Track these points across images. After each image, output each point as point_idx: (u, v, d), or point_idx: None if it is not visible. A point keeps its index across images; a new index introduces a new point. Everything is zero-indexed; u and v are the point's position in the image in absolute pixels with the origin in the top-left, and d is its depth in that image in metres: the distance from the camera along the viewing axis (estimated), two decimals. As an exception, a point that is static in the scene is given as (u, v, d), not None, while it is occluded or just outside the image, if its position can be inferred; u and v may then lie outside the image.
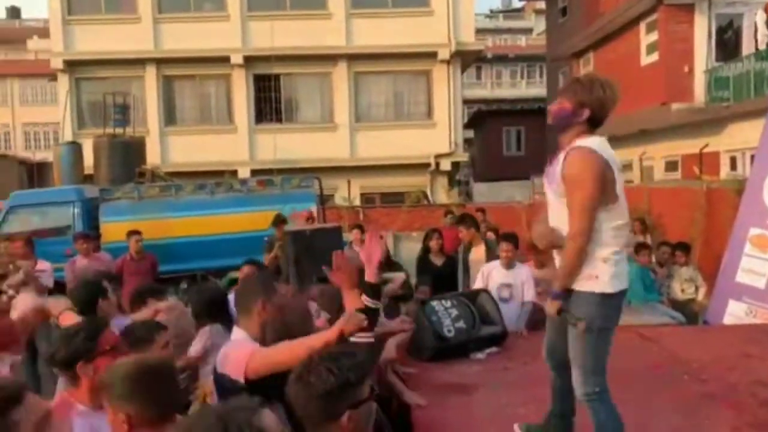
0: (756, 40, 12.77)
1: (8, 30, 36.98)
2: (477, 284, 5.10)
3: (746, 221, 5.88)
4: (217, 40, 16.84)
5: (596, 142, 2.58)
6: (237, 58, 17.13)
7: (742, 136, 12.84)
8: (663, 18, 14.80)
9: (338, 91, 17.79)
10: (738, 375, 3.24)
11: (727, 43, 14.63)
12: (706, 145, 13.60)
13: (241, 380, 2.32)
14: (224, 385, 2.42)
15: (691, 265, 6.81)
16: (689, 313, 6.23)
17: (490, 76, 40.21)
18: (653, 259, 6.91)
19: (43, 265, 6.37)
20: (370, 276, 2.52)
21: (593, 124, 2.63)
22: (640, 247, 6.68)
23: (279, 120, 17.86)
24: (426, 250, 6.60)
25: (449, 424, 3.25)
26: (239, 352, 2.42)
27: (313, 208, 9.35)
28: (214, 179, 10.52)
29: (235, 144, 17.36)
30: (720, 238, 7.27)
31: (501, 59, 38.95)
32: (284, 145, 16.71)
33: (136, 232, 7.41)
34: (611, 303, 2.57)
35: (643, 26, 15.78)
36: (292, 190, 9.61)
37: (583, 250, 2.51)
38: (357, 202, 16.47)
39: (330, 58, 17.48)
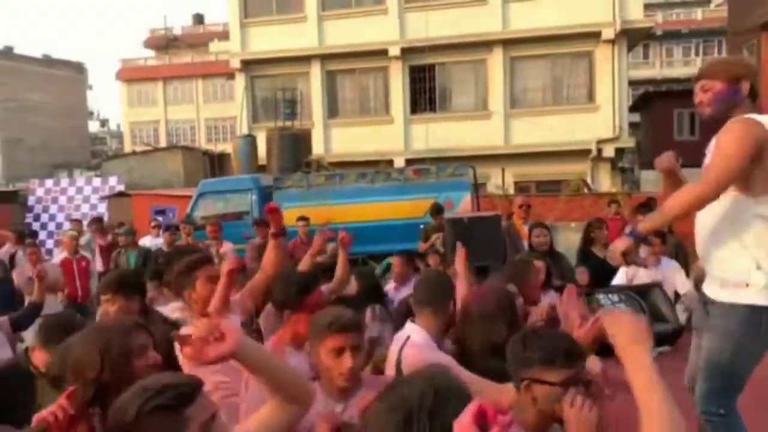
0: None
1: (194, 35, 41.39)
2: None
3: None
4: (375, 34, 17.43)
5: (762, 117, 2.24)
6: (394, 51, 17.60)
7: None
8: None
9: (493, 78, 17.54)
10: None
11: None
12: None
13: None
14: None
15: None
16: None
17: (659, 54, 37.04)
18: None
19: (226, 246, 7.15)
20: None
21: (753, 98, 2.35)
22: None
23: (433, 109, 18.07)
24: (588, 242, 6.32)
25: (619, 423, 3.15)
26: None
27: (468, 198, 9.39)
28: (370, 169, 10.97)
29: (391, 134, 17.89)
30: None
31: (672, 35, 35.72)
32: (438, 134, 16.89)
33: (304, 218, 8.00)
34: (762, 316, 2.16)
35: None
36: (447, 179, 9.71)
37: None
38: (511, 190, 16.17)
39: (485, 45, 17.27)
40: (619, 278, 5.11)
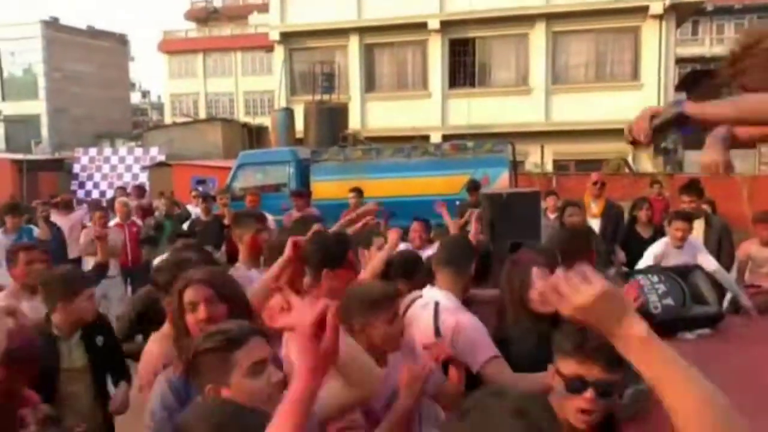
0: None
1: (234, 7, 41.51)
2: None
3: None
4: (415, 7, 17.20)
5: None
6: (434, 24, 17.35)
7: None
8: None
9: (534, 53, 17.17)
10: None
11: None
12: None
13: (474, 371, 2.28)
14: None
15: None
16: None
17: (710, 31, 35.58)
18: None
19: (268, 219, 7.24)
20: None
21: None
22: None
23: (472, 84, 17.82)
24: (632, 221, 6.21)
25: (655, 405, 3.12)
26: (480, 341, 2.33)
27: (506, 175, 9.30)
28: (406, 144, 10.93)
29: (429, 109, 17.75)
30: None
31: (724, 11, 34.26)
32: (476, 110, 16.69)
33: (357, 190, 7.97)
34: None
35: None
36: (485, 155, 9.62)
37: None
38: (549, 168, 15.92)
39: (528, 19, 16.88)
40: (647, 260, 5.00)
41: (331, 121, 13.47)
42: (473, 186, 8.04)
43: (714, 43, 35.46)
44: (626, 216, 6.54)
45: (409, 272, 3.04)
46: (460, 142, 10.55)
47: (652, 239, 5.85)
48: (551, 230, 5.60)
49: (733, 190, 11.43)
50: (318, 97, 14.74)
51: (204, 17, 41.09)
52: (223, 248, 6.11)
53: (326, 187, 8.94)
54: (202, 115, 34.48)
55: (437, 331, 2.43)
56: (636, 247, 5.57)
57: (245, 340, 1.56)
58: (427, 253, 4.76)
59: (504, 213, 4.96)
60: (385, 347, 2.12)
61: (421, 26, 17.42)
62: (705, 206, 6.72)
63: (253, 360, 1.54)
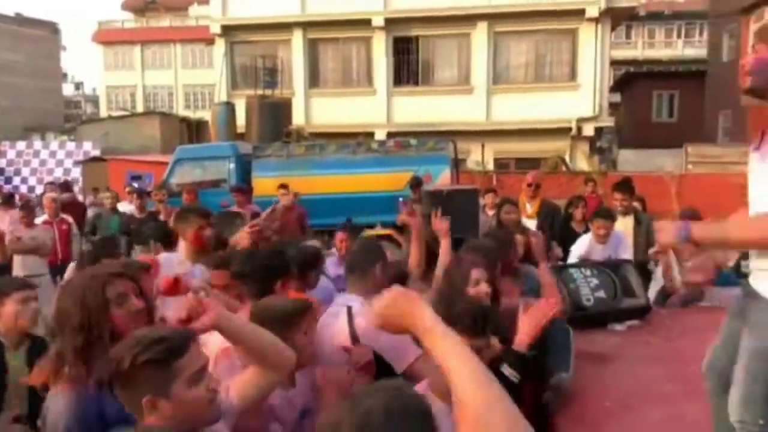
0: None
1: (173, -2, 40.34)
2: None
3: None
4: (359, 3, 17.18)
5: None
6: (378, 21, 17.38)
7: None
8: None
9: (476, 53, 17.46)
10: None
11: None
12: None
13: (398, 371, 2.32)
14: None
15: None
16: None
17: (642, 35, 37.13)
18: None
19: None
20: (520, 343, 2.29)
21: None
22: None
23: (416, 82, 17.97)
24: (568, 218, 6.41)
25: (587, 393, 3.22)
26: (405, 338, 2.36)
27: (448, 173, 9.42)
28: (351, 140, 10.91)
29: (374, 106, 17.78)
30: None
31: (655, 16, 35.78)
32: (420, 108, 16.84)
33: (285, 186, 7.94)
34: None
35: (834, -26, 13.71)
36: (427, 153, 9.72)
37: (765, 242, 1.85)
38: (490, 166, 16.24)
39: (470, 19, 17.15)
40: (573, 256, 5.19)
41: (274, 117, 13.27)
42: (416, 183, 8.12)
43: (646, 46, 37.04)
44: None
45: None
46: (403, 139, 10.61)
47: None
48: (488, 226, 5.72)
49: (662, 189, 11.96)
50: (260, 92, 14.51)
51: (141, 8, 39.73)
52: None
53: (268, 183, 8.79)
54: (140, 108, 33.36)
55: (354, 337, 2.40)
56: (571, 243, 5.75)
57: (186, 348, 1.49)
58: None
59: (444, 209, 5.01)
60: (299, 363, 2.07)
61: (366, 23, 17.42)
62: (636, 203, 7.01)
63: (195, 368, 1.50)
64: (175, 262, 3.24)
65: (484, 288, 2.65)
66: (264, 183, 9.08)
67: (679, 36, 36.74)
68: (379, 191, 9.20)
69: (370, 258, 2.65)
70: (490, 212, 6.87)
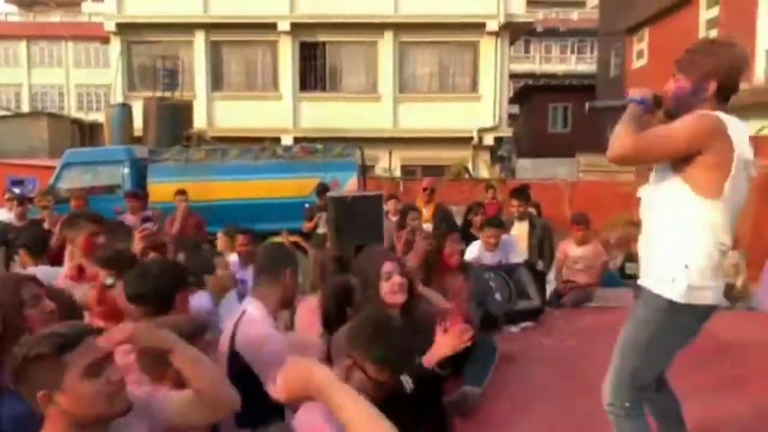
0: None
1: (64, -8, 37.84)
2: None
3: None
4: (264, 6, 16.89)
5: (727, 118, 2.06)
6: (284, 25, 17.18)
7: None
8: (726, -7, 14.13)
9: (383, 61, 17.68)
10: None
11: (795, 20, 13.87)
12: (762, 128, 13.03)
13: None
14: (240, 369, 2.29)
15: (738, 250, 6.60)
16: (731, 297, 6.09)
17: (539, 50, 39.20)
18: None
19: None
20: (429, 360, 2.35)
21: (724, 97, 2.12)
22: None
23: (323, 88, 17.91)
24: (467, 225, 6.58)
25: (485, 395, 3.29)
26: (273, 346, 2.26)
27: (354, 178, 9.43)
28: (257, 145, 10.67)
29: (280, 111, 17.52)
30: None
31: (551, 33, 37.89)
32: (327, 114, 16.79)
33: (183, 192, 7.61)
34: (682, 314, 2.11)
35: (703, 1, 15.10)
36: (334, 159, 9.67)
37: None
38: (397, 173, 16.47)
39: (376, 27, 17.34)
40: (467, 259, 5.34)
41: (174, 120, 12.72)
42: (322, 189, 8.04)
43: (543, 61, 39.14)
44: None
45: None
46: (310, 145, 10.50)
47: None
48: (390, 232, 5.78)
49: (556, 195, 12.62)
50: (159, 94, 13.87)
51: (28, 2, 36.99)
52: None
53: (165, 189, 8.38)
54: (26, 108, 30.96)
55: (232, 341, 2.34)
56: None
57: (78, 341, 1.52)
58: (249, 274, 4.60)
59: (349, 216, 5.00)
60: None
61: (271, 27, 17.16)
62: (531, 209, 7.33)
63: (88, 361, 1.51)
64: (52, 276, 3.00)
65: (397, 280, 2.58)
66: (160, 189, 8.66)
67: (572, 52, 39.12)
68: (284, 197, 9.03)
69: (280, 264, 2.55)
70: (393, 218, 6.93)
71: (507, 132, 18.44)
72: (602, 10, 24.83)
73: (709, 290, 2.12)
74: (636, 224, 6.78)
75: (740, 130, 2.08)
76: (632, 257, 6.38)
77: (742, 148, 2.05)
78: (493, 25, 16.97)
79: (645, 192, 2.27)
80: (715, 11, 14.66)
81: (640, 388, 2.21)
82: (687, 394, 3.19)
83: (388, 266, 2.63)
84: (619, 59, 21.52)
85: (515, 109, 29.38)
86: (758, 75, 13.74)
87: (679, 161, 2.10)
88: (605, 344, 3.64)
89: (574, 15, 39.19)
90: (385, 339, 1.84)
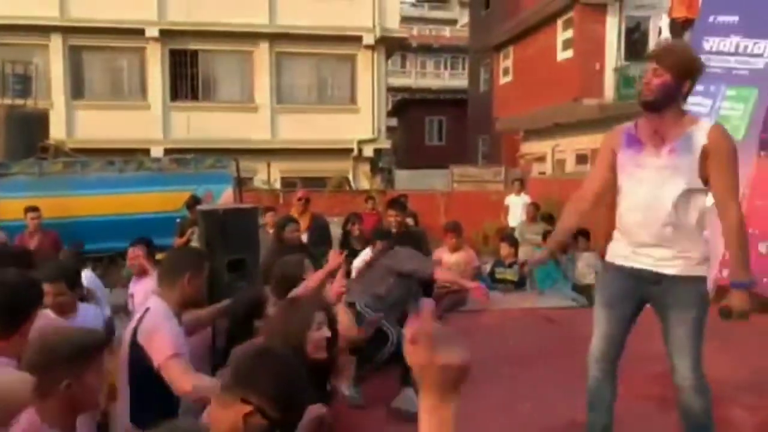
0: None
1: None
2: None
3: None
4: (131, 11, 15.94)
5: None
6: (152, 32, 16.32)
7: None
8: (578, 16, 15.44)
9: (259, 71, 17.35)
10: (626, 352, 3.43)
11: (635, 43, 15.47)
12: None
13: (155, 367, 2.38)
14: (139, 360, 2.43)
15: (592, 251, 7.15)
16: (590, 296, 6.57)
17: (415, 65, 40.54)
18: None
19: None
20: None
21: (684, 99, 2.44)
22: (546, 234, 6.96)
23: (195, 98, 17.22)
24: (346, 235, 6.58)
25: (354, 412, 3.26)
26: (165, 339, 2.40)
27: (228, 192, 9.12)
28: (124, 157, 10.00)
29: (148, 121, 16.58)
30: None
31: (425, 49, 39.34)
32: (201, 125, 16.16)
33: (34, 209, 6.94)
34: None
35: (559, 23, 16.40)
36: (208, 171, 9.32)
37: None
38: (277, 185, 16.19)
39: (251, 37, 16.99)
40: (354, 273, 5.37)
41: (26, 130, 11.58)
42: (193, 202, 7.67)
43: (419, 76, 40.51)
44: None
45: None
46: (180, 156, 10.02)
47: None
48: (270, 245, 5.62)
49: (433, 205, 13.03)
50: (9, 101, 12.60)
51: None
52: None
53: (15, 205, 7.59)
54: None
55: (134, 334, 2.47)
56: (352, 259, 5.90)
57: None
58: (141, 285, 4.33)
59: (221, 230, 4.80)
60: (87, 406, 1.87)
61: (138, 33, 16.23)
62: (409, 219, 7.49)
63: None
64: None
65: (325, 333, 2.40)
66: (9, 205, 7.83)
67: (446, 68, 40.86)
68: (153, 212, 8.52)
69: (178, 269, 2.61)
70: (271, 231, 6.78)
71: (386, 144, 18.80)
72: (472, 28, 26.26)
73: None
74: (504, 230, 7.13)
75: None
76: (501, 262, 6.71)
77: None
78: (369, 39, 17.27)
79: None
80: (570, 33, 15.96)
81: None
82: (554, 390, 3.37)
83: (320, 316, 2.44)
84: (488, 75, 22.80)
85: (393, 121, 30.14)
86: (607, 92, 15.15)
87: (699, 174, 2.38)
88: (483, 345, 3.76)
89: (447, 32, 41.00)
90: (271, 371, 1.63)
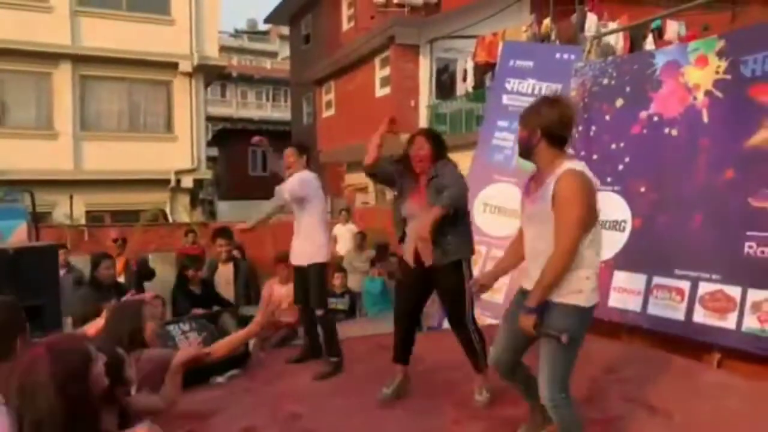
0: (465, 84, 14.87)
1: None
2: None
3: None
4: None
5: (582, 166, 2.63)
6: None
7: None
8: (394, 56, 16.38)
9: (60, 95, 15.68)
10: (460, 374, 3.60)
11: (445, 83, 16.80)
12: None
13: None
14: None
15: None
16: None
17: (236, 95, 39.88)
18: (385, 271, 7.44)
19: None
20: None
21: (559, 143, 2.67)
22: (374, 261, 7.14)
23: (-18, 122, 15.04)
24: (183, 279, 5.82)
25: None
26: None
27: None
28: None
29: None
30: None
31: (246, 79, 38.96)
32: (-12, 153, 14.12)
33: None
34: (588, 316, 2.68)
35: (377, 61, 17.25)
36: (-5, 205, 8.11)
37: (568, 269, 2.57)
38: (83, 220, 14.63)
39: (50, 57, 15.34)
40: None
41: None
42: (-26, 241, 6.58)
43: (240, 106, 39.84)
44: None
45: None
46: (-41, 189, 8.61)
47: (204, 291, 5.66)
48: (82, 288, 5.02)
49: (259, 235, 12.68)
50: None
51: None
52: None
53: None
54: None
55: None
56: (190, 302, 5.35)
57: None
58: None
59: (12, 272, 4.18)
60: None
61: None
62: (236, 252, 7.20)
63: None
64: None
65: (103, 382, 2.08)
66: None
67: (268, 99, 40.74)
68: None
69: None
70: (63, 271, 6.09)
71: (207, 174, 18.01)
72: (293, 61, 26.51)
73: (596, 292, 2.72)
74: (333, 259, 7.07)
75: (589, 172, 2.70)
76: (333, 292, 6.70)
77: (596, 185, 2.71)
78: (186, 66, 16.54)
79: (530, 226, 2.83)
80: (387, 71, 16.85)
81: (568, 379, 2.69)
82: (388, 413, 3.38)
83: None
84: (311, 108, 23.14)
85: (214, 151, 29.15)
86: (414, 128, 16.18)
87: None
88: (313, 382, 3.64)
89: (268, 64, 41.03)
90: None
